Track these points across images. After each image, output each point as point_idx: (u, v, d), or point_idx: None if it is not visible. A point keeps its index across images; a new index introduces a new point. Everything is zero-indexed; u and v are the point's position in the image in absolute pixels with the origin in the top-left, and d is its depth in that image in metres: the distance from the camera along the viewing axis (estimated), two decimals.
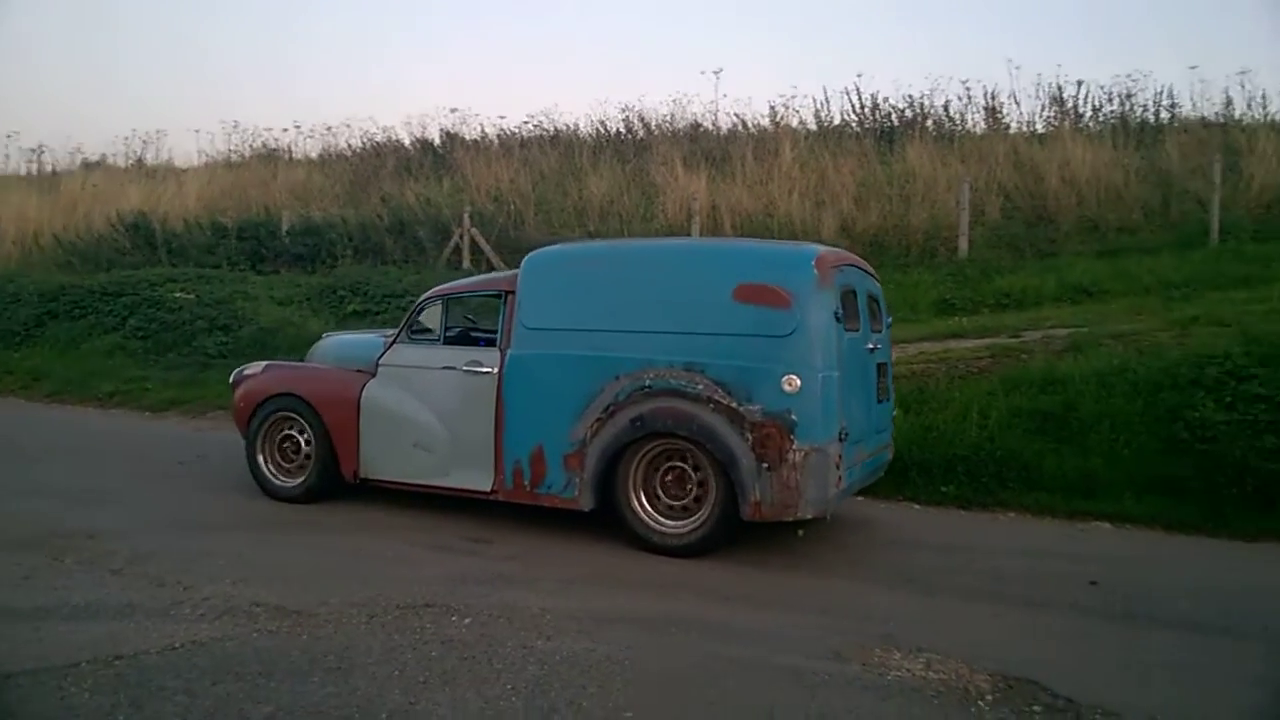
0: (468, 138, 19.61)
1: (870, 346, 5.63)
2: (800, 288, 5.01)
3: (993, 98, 16.37)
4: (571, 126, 19.30)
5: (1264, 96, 15.16)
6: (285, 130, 22.07)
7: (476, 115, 20.18)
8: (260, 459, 6.34)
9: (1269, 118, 14.87)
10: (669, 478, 5.24)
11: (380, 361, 6.11)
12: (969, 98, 16.53)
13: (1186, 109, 15.49)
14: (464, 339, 6.15)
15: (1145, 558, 5.57)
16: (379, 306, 12.59)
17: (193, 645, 3.71)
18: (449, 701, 3.31)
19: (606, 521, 5.40)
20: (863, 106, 17.04)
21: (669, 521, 5.22)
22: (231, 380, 6.81)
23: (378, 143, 20.12)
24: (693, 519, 5.17)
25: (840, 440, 4.94)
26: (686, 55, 39.39)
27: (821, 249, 5.42)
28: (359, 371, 6.18)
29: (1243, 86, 16.34)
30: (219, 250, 15.23)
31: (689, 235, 13.39)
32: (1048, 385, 7.36)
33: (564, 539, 5.49)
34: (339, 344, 6.78)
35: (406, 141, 19.97)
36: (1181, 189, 12.87)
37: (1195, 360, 7.14)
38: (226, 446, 7.59)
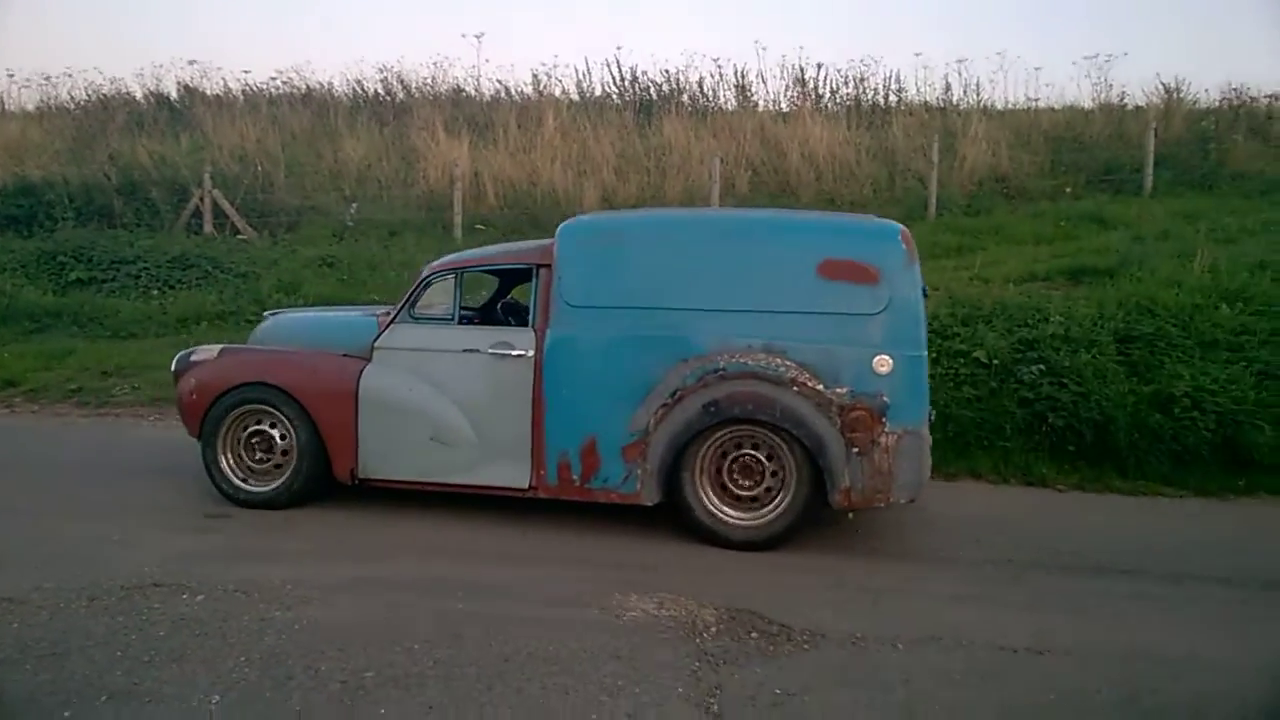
0: (209, 93, 18.32)
1: None
2: (890, 263, 4.74)
3: (742, 76, 17.22)
4: (325, 85, 18.49)
5: (978, 84, 16.90)
6: None
7: (219, 69, 18.91)
8: (223, 461, 5.35)
9: (981, 104, 16.59)
10: (734, 467, 4.87)
11: (377, 344, 5.27)
12: (721, 75, 17.32)
13: (911, 93, 16.96)
14: (482, 319, 5.61)
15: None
16: (106, 274, 11.57)
17: None
18: (176, 679, 3.21)
19: (357, 492, 5.32)
20: (623, 79, 17.43)
21: (737, 513, 4.88)
22: (174, 368, 5.72)
23: (105, 95, 18.38)
24: (767, 509, 4.83)
25: (930, 421, 4.85)
26: (448, 17, 38.43)
27: (900, 225, 5.00)
28: (346, 356, 5.34)
29: (960, 74, 18.13)
30: None
31: (452, 202, 13.25)
32: None
33: (308, 511, 5.35)
34: (306, 322, 5.90)
35: (139, 95, 18.39)
36: (905, 167, 14.16)
37: None
38: None
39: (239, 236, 13.10)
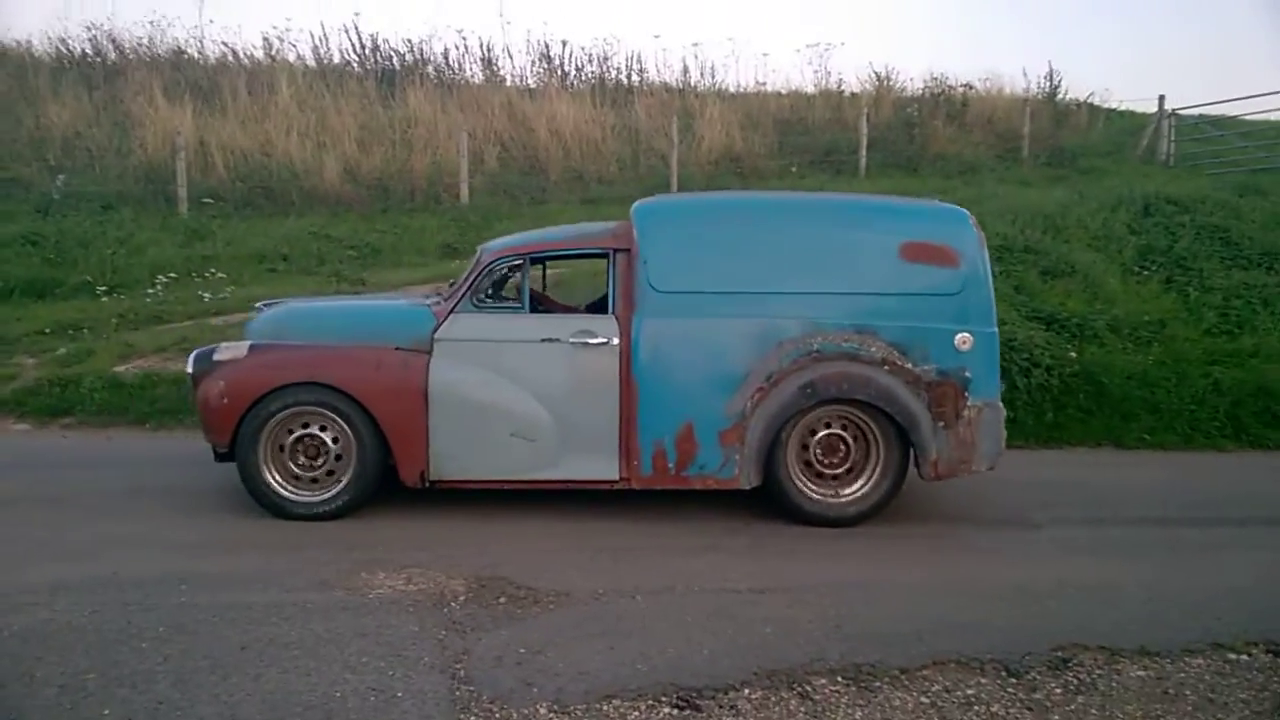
0: None
1: None
2: (966, 245, 4.96)
3: (488, 50, 17.12)
4: (23, 44, 16.51)
5: (713, 68, 17.75)
6: None
7: None
8: (267, 472, 4.82)
9: (716, 87, 17.46)
10: (819, 446, 4.97)
11: (438, 335, 4.89)
12: (466, 48, 17.12)
13: (652, 74, 17.56)
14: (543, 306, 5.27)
15: None
16: None
17: None
18: None
19: (53, 493, 4.92)
20: (363, 47, 16.82)
21: (825, 490, 4.97)
22: (193, 370, 5.01)
23: None
24: (855, 486, 4.98)
25: (1001, 402, 5.03)
26: None
27: (964, 209, 5.28)
28: (399, 350, 4.88)
29: (696, 58, 18.97)
30: None
31: (175, 174, 12.30)
32: None
33: (32, 514, 4.90)
34: (332, 314, 5.35)
35: None
36: (648, 145, 14.69)
37: None
38: None
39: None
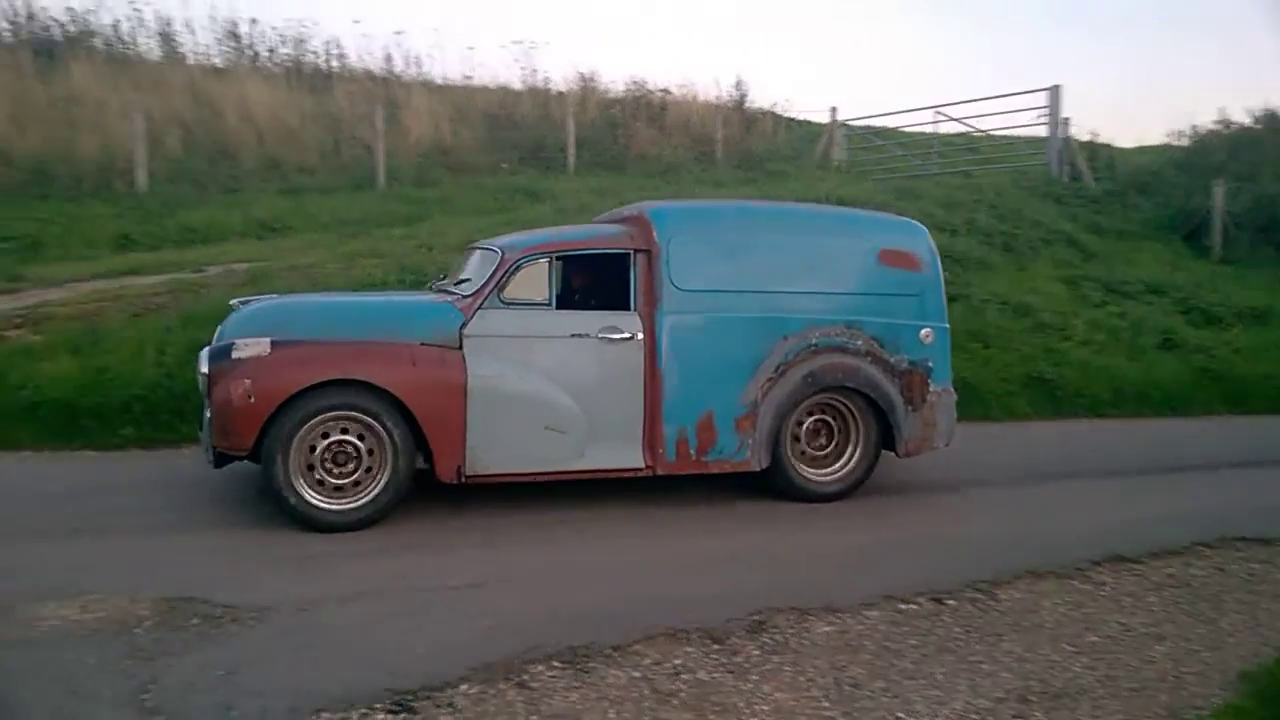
0: None
1: None
2: (925, 253, 5.77)
3: (166, 24, 15.66)
4: None
5: (419, 58, 17.34)
6: None
7: None
8: (297, 481, 4.57)
9: (423, 77, 17.09)
10: (807, 430, 5.56)
11: (468, 332, 4.88)
12: (140, 21, 15.56)
13: (353, 60, 16.88)
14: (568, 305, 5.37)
15: None
16: None
17: None
18: None
19: None
20: (16, 15, 14.78)
21: (813, 470, 5.56)
22: (207, 369, 4.68)
23: None
24: (838, 465, 5.62)
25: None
26: None
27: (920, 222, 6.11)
28: (427, 345, 4.77)
29: (399, 46, 18.46)
30: None
31: None
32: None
33: None
34: (341, 310, 5.23)
35: None
36: (350, 135, 14.12)
37: (357, 288, 8.00)
38: None
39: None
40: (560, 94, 17.34)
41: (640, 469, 5.19)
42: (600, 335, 5.13)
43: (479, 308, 5.02)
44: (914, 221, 6.15)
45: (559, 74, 18.86)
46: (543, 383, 5.04)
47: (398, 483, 4.78)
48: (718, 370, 5.26)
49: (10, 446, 6.08)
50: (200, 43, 15.95)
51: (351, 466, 4.74)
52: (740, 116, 18.49)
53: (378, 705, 3.05)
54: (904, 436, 5.61)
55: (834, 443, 5.66)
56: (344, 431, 4.71)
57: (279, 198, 12.51)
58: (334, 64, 16.63)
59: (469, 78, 17.09)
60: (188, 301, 7.86)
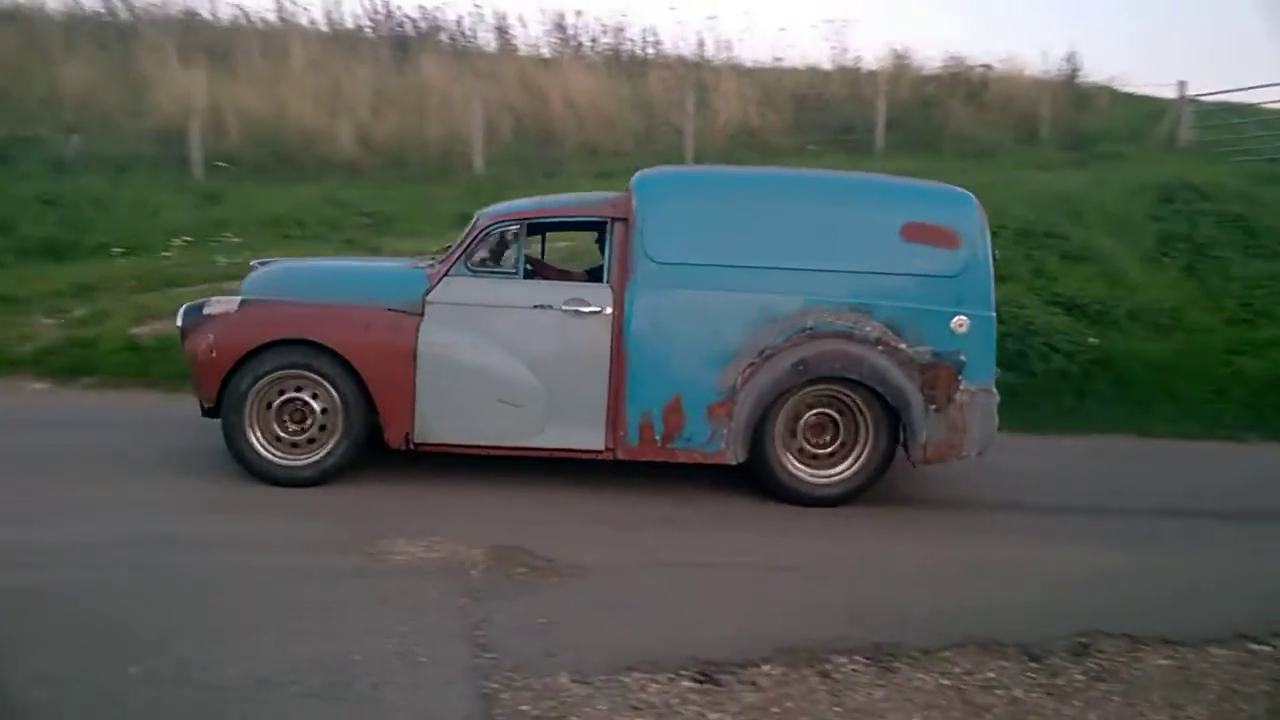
0: None
1: None
2: (967, 228, 4.93)
3: (502, 19, 16.98)
4: (34, 3, 16.41)
5: (729, 41, 17.55)
6: None
7: None
8: (252, 434, 4.75)
9: (732, 60, 17.28)
10: (808, 425, 4.93)
11: (430, 298, 4.84)
12: (480, 16, 16.99)
13: (667, 46, 17.38)
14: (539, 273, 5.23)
15: None
16: None
17: None
18: None
19: (80, 451, 4.93)
20: (376, 12, 16.69)
21: (811, 470, 4.93)
22: (181, 323, 4.96)
23: None
24: (842, 467, 4.93)
25: (995, 385, 4.97)
26: None
27: (970, 191, 5.22)
28: (391, 310, 4.84)
29: (711, 31, 18.79)
30: None
31: (189, 137, 12.24)
32: None
33: (27, 469, 4.91)
34: (325, 273, 5.39)
35: None
36: (663, 119, 14.57)
37: None
38: None
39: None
40: (871, 72, 16.84)
41: (601, 451, 4.89)
42: (565, 307, 4.83)
43: (445, 274, 4.90)
44: (961, 191, 5.21)
45: (871, 52, 18.35)
46: (499, 354, 4.83)
47: (349, 444, 4.80)
48: (690, 351, 4.81)
49: None
50: (531, 35, 17.19)
51: (309, 423, 4.80)
52: (1070, 93, 17.02)
53: (684, 673, 3.14)
54: (920, 439, 4.82)
55: (840, 441, 4.97)
56: (298, 390, 4.79)
57: (595, 180, 13.19)
58: (649, 51, 17.22)
59: (779, 59, 17.05)
60: None
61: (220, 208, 10.88)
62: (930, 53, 18.49)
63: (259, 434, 4.79)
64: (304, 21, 16.49)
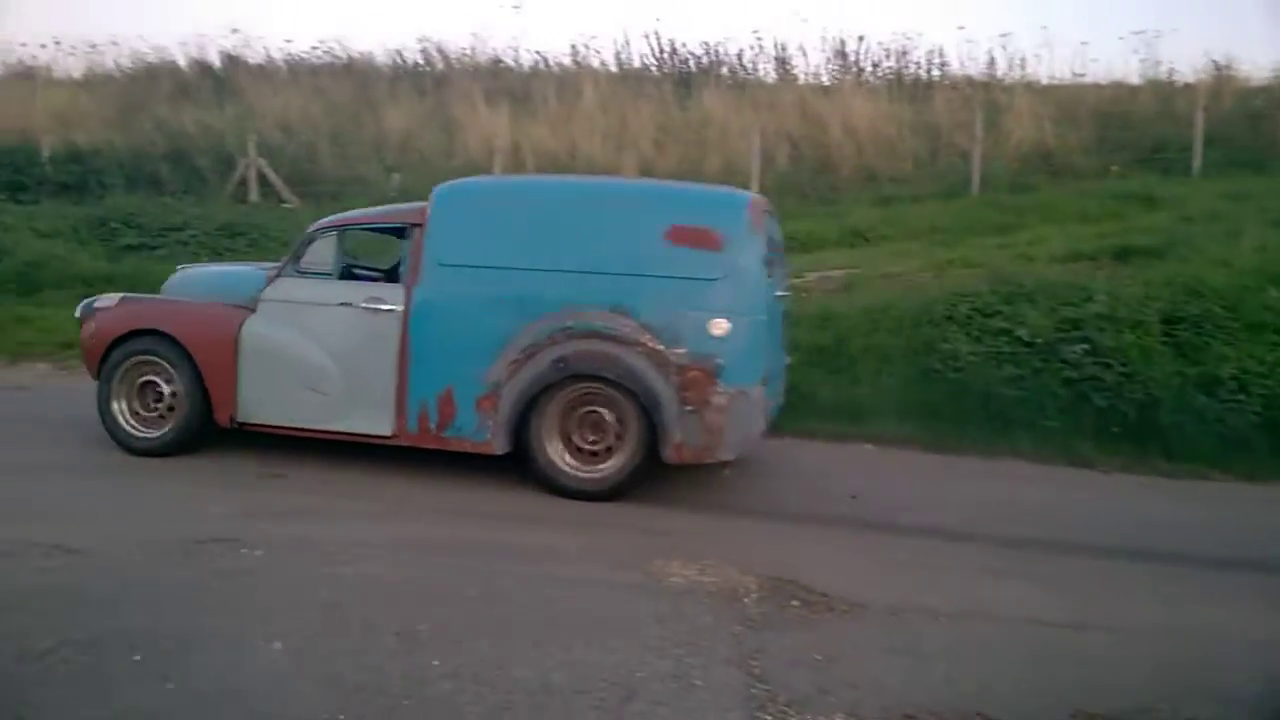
0: (251, 62, 18.48)
1: (779, 294, 5.72)
2: (733, 231, 5.05)
3: (782, 49, 17.08)
4: (366, 55, 18.59)
5: (1023, 59, 16.58)
6: (44, 46, 19.87)
7: (260, 38, 19.05)
8: (115, 406, 5.61)
9: (1026, 78, 16.31)
10: (584, 422, 5.13)
11: (262, 296, 5.55)
12: (760, 48, 17.18)
13: (954, 67, 16.72)
14: (349, 275, 5.76)
15: (902, 475, 6.22)
16: (156, 240, 11.79)
17: None
18: (235, 626, 3.33)
19: (410, 454, 5.44)
20: (661, 51, 17.35)
21: (581, 465, 5.15)
22: (78, 314, 5.97)
23: (150, 63, 18.61)
24: (608, 463, 5.11)
25: (763, 384, 5.06)
26: None
27: (752, 194, 5.53)
28: (236, 307, 5.62)
29: (1004, 48, 17.82)
30: None
31: (491, 172, 13.32)
32: (823, 321, 7.95)
33: (360, 471, 5.49)
34: (206, 275, 6.28)
35: (182, 63, 18.59)
36: (948, 142, 14.00)
37: (949, 298, 7.90)
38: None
39: (284, 205, 13.28)
40: (1188, 85, 15.27)
41: (388, 436, 5.29)
42: (365, 305, 5.30)
43: (277, 276, 5.57)
44: (735, 194, 5.37)
45: (1187, 63, 16.60)
46: (309, 346, 5.40)
47: (187, 421, 5.53)
48: (462, 347, 5.12)
49: None
50: (811, 64, 17.17)
51: (161, 403, 5.58)
52: None
53: None
54: (674, 440, 4.89)
55: (611, 438, 5.06)
56: (155, 374, 5.57)
57: (872, 207, 12.91)
58: (934, 73, 16.65)
59: (1079, 75, 15.88)
60: (787, 303, 8.46)
61: None
62: (1258, 62, 16.51)
63: (122, 407, 5.65)
64: (595, 63, 17.49)
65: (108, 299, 5.94)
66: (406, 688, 3.01)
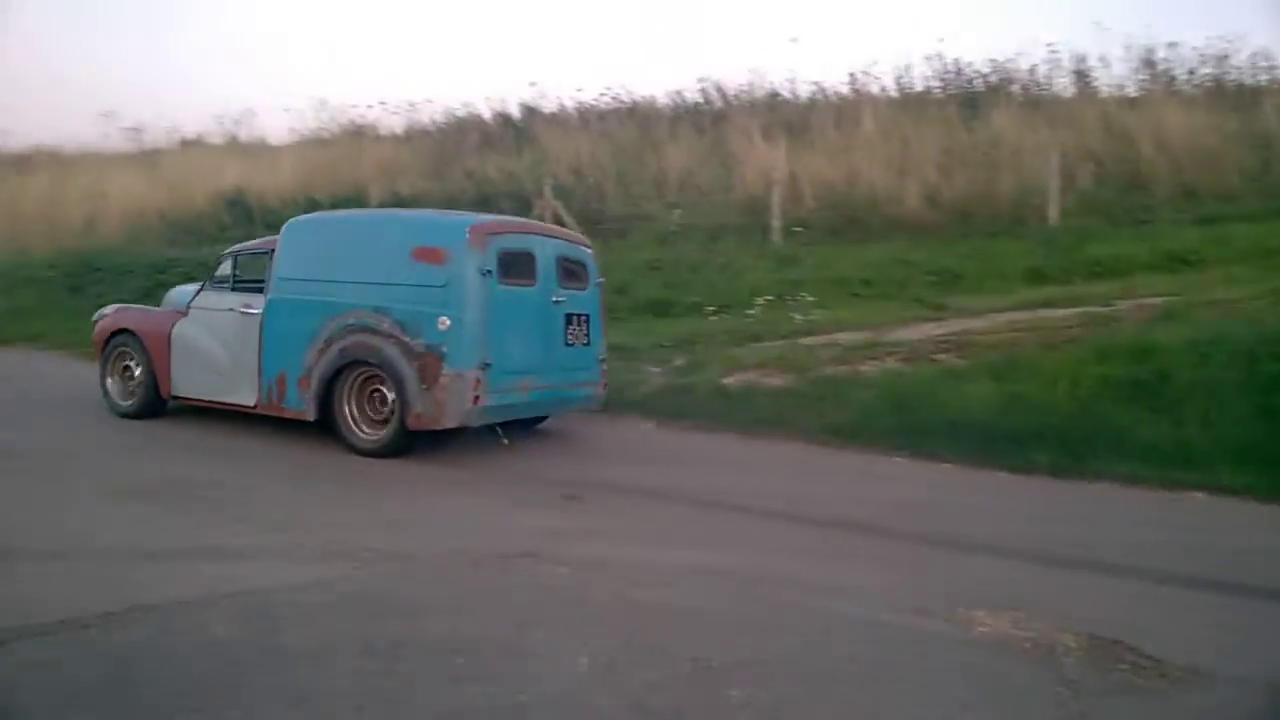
0: (546, 111, 19.85)
1: (555, 300, 6.97)
2: (454, 248, 6.42)
3: (1081, 61, 15.91)
4: (648, 98, 19.39)
5: None
6: (371, 107, 22.54)
7: (554, 88, 20.41)
8: (108, 382, 7.97)
9: None
10: (373, 398, 6.61)
11: (191, 305, 7.60)
12: (1056, 62, 16.10)
13: None
14: (250, 287, 7.37)
15: (1239, 527, 5.50)
16: None
17: (314, 584, 3.98)
18: (548, 640, 3.50)
19: (690, 487, 5.54)
20: (946, 71, 16.73)
21: (369, 430, 6.62)
22: (94, 319, 8.39)
23: (460, 118, 20.51)
24: (385, 429, 6.53)
25: (481, 369, 6.29)
26: (763, 22, 38.94)
27: (483, 219, 7.23)
28: (177, 312, 7.68)
29: None
30: None
31: (770, 206, 13.41)
32: (1140, 354, 7.24)
33: (649, 499, 5.66)
34: (177, 291, 8.32)
35: (487, 116, 20.31)
36: None
37: None
38: None
39: None
40: None
41: (252, 407, 7.01)
42: (241, 310, 7.11)
43: (200, 289, 7.59)
44: (461, 219, 6.95)
45: None
46: (210, 339, 7.33)
47: (145, 395, 7.68)
48: (290, 340, 6.77)
49: (931, 458, 6.79)
50: (1114, 75, 15.83)
51: (133, 382, 7.79)
52: None
53: None
54: (415, 410, 6.27)
55: (388, 410, 6.46)
56: (129, 360, 7.80)
57: (1192, 228, 11.67)
58: (1261, 77, 14.83)
59: None
60: (1100, 334, 7.80)
61: (796, 269, 11.71)
62: None
63: (111, 383, 7.88)
64: (875, 89, 17.18)
65: (109, 309, 8.38)
66: (706, 718, 3.02)
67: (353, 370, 6.55)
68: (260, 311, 6.94)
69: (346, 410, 6.63)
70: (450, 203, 15.42)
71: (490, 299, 6.38)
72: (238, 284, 7.33)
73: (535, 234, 7.27)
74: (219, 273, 7.51)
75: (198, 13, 48.07)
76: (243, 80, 43.86)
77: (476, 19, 46.54)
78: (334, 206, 15.97)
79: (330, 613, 3.70)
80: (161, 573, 4.10)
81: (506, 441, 6.69)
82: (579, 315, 7.17)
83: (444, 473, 6.27)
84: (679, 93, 19.19)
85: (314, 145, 21.37)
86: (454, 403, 6.23)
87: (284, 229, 7.20)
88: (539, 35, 44.82)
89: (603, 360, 7.44)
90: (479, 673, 3.21)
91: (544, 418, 7.61)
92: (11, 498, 5.35)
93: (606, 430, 7.80)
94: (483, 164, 17.17)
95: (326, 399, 6.61)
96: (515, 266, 6.63)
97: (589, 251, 7.68)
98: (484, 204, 15.18)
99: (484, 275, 6.34)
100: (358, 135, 21.40)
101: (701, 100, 19.06)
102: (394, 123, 21.44)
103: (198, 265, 13.86)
